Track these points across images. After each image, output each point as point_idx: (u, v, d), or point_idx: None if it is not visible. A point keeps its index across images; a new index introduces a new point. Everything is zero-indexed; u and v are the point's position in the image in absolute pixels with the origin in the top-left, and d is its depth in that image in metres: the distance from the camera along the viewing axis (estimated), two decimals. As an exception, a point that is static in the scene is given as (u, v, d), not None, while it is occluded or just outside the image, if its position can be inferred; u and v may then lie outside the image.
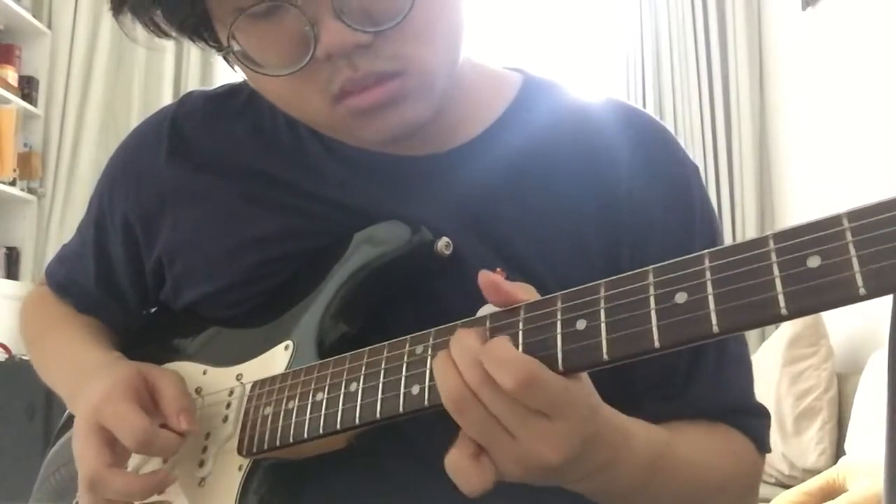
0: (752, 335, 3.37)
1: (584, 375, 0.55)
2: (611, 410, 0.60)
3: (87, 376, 0.76)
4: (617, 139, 0.77)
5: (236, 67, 0.71)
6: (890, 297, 0.53)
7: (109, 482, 0.68)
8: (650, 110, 3.50)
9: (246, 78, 0.75)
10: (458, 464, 0.55)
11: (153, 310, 0.90)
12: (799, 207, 3.34)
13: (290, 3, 0.63)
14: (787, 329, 2.62)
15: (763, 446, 0.77)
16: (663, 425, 0.69)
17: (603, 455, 0.57)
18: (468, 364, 0.53)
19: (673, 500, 0.69)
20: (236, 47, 0.67)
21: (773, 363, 2.60)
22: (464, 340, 0.55)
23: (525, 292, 0.57)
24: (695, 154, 3.17)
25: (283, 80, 0.67)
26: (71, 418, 0.90)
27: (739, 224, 3.54)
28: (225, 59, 0.70)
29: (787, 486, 2.30)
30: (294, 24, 0.63)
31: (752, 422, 0.76)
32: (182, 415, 0.70)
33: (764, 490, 2.40)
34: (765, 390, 2.55)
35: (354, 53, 0.64)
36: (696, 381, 0.74)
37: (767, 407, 0.78)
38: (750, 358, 0.80)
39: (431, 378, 0.57)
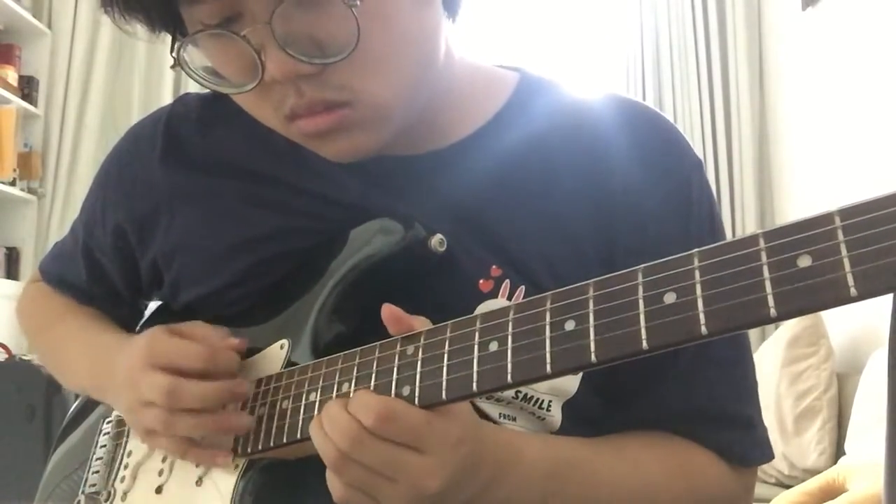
0: (752, 335, 3.34)
1: (451, 407, 0.58)
2: (495, 429, 0.64)
3: (114, 351, 0.77)
4: (613, 135, 0.76)
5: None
6: (889, 297, 0.52)
7: (188, 389, 0.68)
8: (650, 110, 3.49)
9: None
10: None
11: (154, 308, 0.90)
12: (799, 207, 3.34)
13: (234, 33, 0.63)
14: (787, 329, 2.61)
15: (737, 459, 0.74)
16: (600, 439, 0.70)
17: (485, 474, 0.60)
18: (338, 433, 0.58)
19: None
20: (192, 60, 0.68)
21: (773, 363, 2.59)
22: (329, 411, 0.60)
23: (421, 324, 0.61)
24: (695, 154, 3.16)
25: (243, 94, 0.68)
26: (73, 419, 0.91)
27: (739, 223, 3.53)
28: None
29: (787, 486, 2.29)
30: (245, 46, 0.64)
31: (719, 433, 0.73)
32: (227, 337, 0.72)
33: (764, 490, 2.40)
34: (765, 390, 2.53)
35: (301, 80, 0.64)
36: (663, 382, 0.72)
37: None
38: (743, 363, 0.75)
39: (422, 379, 0.58)
